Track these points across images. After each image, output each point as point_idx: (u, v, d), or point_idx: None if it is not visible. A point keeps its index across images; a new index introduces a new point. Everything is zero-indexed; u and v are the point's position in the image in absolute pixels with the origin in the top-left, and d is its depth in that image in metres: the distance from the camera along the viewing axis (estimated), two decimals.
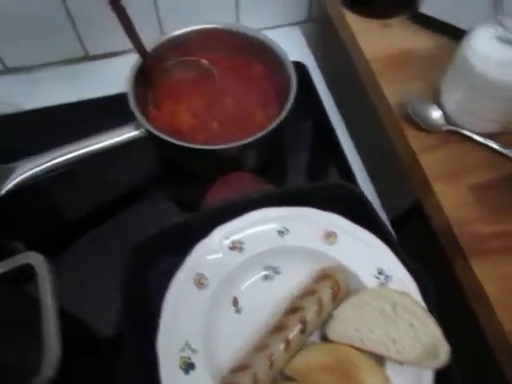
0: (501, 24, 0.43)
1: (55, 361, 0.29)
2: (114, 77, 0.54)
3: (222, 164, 0.54)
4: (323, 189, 0.49)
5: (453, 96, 0.49)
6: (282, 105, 0.53)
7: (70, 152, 0.49)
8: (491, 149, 0.48)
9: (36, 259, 0.34)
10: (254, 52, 0.59)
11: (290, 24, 0.76)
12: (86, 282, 0.50)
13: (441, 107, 0.51)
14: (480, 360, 0.44)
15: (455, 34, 0.51)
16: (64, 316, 0.44)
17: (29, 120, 0.63)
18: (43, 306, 0.31)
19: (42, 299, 0.31)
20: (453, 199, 0.44)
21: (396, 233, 0.47)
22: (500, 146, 0.48)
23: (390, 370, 0.39)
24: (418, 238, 0.59)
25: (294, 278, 0.45)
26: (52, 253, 0.51)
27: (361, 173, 0.60)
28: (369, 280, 0.44)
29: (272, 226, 0.46)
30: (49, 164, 0.48)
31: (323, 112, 0.65)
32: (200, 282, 0.43)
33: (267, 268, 0.46)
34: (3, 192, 0.45)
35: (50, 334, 0.30)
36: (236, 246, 0.44)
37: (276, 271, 0.46)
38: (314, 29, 0.78)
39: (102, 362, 0.46)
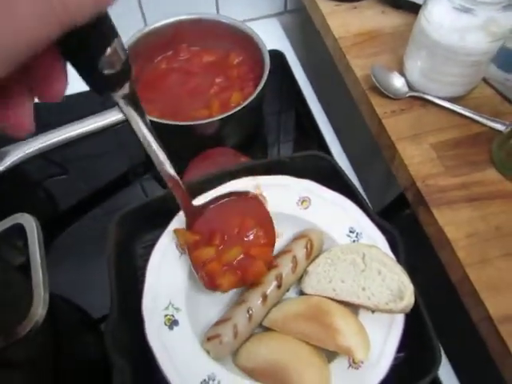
0: None
1: (43, 305, 0.32)
2: None
3: (203, 141, 0.57)
4: (299, 159, 0.51)
5: (415, 64, 0.52)
6: (257, 86, 0.56)
7: (58, 136, 0.52)
8: (453, 111, 0.51)
9: (26, 219, 0.37)
10: (233, 41, 0.63)
11: (268, 16, 0.80)
12: (77, 264, 0.52)
13: (404, 76, 0.54)
14: (448, 303, 0.46)
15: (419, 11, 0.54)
16: (59, 297, 0.47)
17: None
18: (32, 258, 0.34)
19: (30, 251, 0.34)
20: (415, 157, 0.47)
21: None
22: (461, 109, 0.51)
23: (362, 318, 0.42)
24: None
25: None
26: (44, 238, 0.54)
27: (336, 147, 0.62)
28: (341, 238, 0.46)
29: None
30: (38, 147, 0.51)
31: (300, 94, 0.69)
32: (182, 246, 0.45)
33: None
34: None
35: (39, 282, 0.33)
36: None
37: None
38: (290, 20, 0.82)
39: (97, 340, 0.48)
